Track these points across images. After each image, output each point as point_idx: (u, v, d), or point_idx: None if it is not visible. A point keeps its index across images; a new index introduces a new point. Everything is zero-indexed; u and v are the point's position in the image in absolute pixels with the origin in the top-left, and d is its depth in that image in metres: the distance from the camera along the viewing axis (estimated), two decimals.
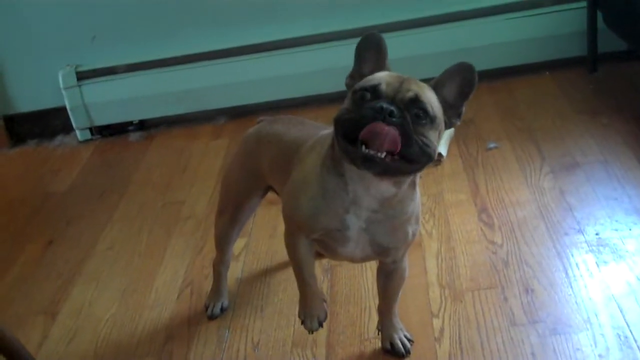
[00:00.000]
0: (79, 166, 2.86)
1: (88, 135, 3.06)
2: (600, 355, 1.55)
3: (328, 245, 1.47)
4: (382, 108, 1.24)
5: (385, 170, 1.28)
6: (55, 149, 3.06)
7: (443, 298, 1.81)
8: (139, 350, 1.82)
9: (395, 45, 2.78)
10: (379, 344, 1.69)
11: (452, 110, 1.36)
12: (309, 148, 1.48)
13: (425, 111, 1.28)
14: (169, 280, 2.06)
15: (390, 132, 1.23)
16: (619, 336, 1.59)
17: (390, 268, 1.57)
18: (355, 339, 1.73)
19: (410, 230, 1.45)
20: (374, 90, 1.29)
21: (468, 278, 1.86)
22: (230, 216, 1.78)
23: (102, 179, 2.73)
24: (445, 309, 1.77)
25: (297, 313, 1.58)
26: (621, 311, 1.66)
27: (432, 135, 1.29)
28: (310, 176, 1.41)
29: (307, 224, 1.43)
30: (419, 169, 1.33)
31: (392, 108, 1.25)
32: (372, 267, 1.94)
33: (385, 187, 1.35)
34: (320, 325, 1.56)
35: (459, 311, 1.75)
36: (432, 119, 1.29)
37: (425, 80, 1.36)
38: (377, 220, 1.40)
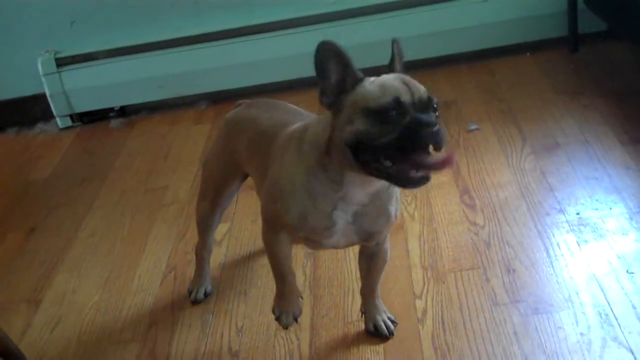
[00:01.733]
0: (60, 153, 2.84)
1: (69, 122, 3.04)
2: (581, 334, 1.57)
3: (312, 239, 1.47)
4: (428, 123, 1.24)
5: None
6: (35, 136, 3.03)
7: (425, 279, 1.81)
8: (123, 335, 1.82)
9: (375, 28, 2.82)
10: (362, 326, 1.69)
11: None
12: (285, 141, 1.46)
13: (437, 104, 1.29)
14: (152, 266, 2.05)
15: (451, 155, 1.24)
16: (600, 314, 1.61)
17: (372, 250, 1.58)
18: (339, 322, 1.74)
19: (392, 211, 1.46)
20: (398, 104, 1.25)
21: (450, 259, 1.87)
22: (211, 201, 1.78)
23: (83, 166, 2.72)
24: (427, 290, 1.78)
25: (271, 309, 1.58)
26: (602, 290, 1.68)
27: None
28: (295, 181, 1.40)
29: (294, 226, 1.43)
30: None
31: (431, 119, 1.25)
32: (354, 250, 1.93)
33: (381, 183, 1.35)
34: (295, 320, 1.58)
35: (442, 292, 1.76)
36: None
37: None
38: (364, 212, 1.41)
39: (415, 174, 1.25)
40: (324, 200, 1.38)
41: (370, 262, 1.60)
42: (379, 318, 1.67)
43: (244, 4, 2.90)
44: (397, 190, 1.46)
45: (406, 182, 1.28)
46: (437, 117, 1.28)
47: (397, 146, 1.23)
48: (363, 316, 1.69)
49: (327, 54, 1.30)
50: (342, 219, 1.40)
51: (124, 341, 1.80)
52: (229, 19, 2.91)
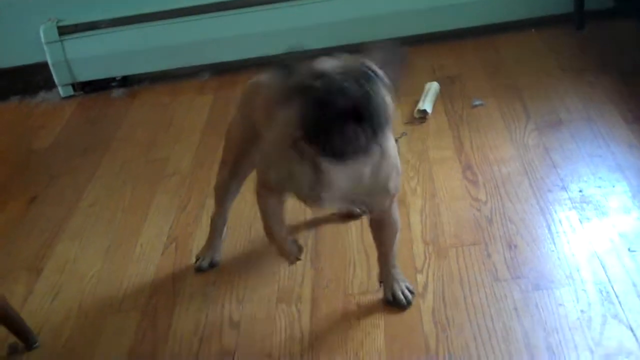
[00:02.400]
0: (61, 123, 2.83)
1: (70, 91, 3.02)
2: (582, 311, 1.57)
3: (303, 199, 1.49)
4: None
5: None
6: (37, 105, 3.02)
7: (427, 254, 1.81)
8: (124, 305, 1.82)
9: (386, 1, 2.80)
10: (362, 299, 1.70)
11: None
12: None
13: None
14: (154, 237, 2.05)
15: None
16: (601, 292, 1.61)
17: (379, 220, 1.58)
18: (340, 294, 1.74)
19: (391, 187, 1.45)
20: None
21: (452, 234, 1.87)
22: (230, 169, 1.78)
23: (84, 135, 2.71)
24: (429, 265, 1.78)
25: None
26: (603, 267, 1.68)
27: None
28: (278, 156, 1.40)
29: (278, 190, 1.46)
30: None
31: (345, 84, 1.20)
32: (356, 223, 1.95)
33: (360, 167, 1.34)
34: (299, 258, 1.62)
35: (443, 267, 1.76)
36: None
37: None
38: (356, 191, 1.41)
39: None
40: (307, 183, 1.37)
41: (379, 232, 1.61)
42: (397, 287, 1.67)
43: None
44: (394, 163, 1.44)
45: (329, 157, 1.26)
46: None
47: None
48: (381, 286, 1.70)
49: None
50: (328, 196, 1.40)
51: (125, 310, 1.80)
52: None
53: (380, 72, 1.26)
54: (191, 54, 2.97)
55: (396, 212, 1.59)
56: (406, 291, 1.67)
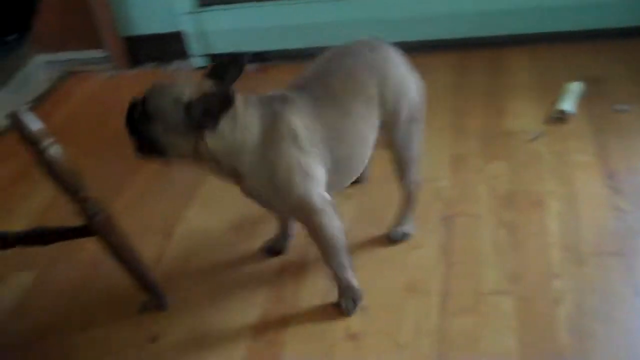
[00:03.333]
0: None
1: (204, 62, 3.08)
2: None
3: None
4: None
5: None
6: (171, 73, 3.09)
7: (564, 260, 1.75)
8: (252, 276, 1.84)
9: None
10: (494, 299, 1.66)
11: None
12: None
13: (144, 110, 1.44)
14: None
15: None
16: None
17: (309, 232, 1.61)
18: (471, 291, 1.70)
19: (286, 187, 1.51)
20: None
21: (592, 243, 1.79)
22: None
23: None
24: (565, 271, 1.72)
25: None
26: None
27: (151, 130, 1.43)
28: None
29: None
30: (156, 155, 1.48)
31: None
32: (493, 219, 1.90)
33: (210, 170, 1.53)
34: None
35: (581, 276, 1.70)
36: (149, 117, 1.43)
37: None
38: (252, 189, 1.54)
39: None
40: None
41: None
42: (340, 296, 1.70)
43: None
44: (284, 164, 1.48)
45: None
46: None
47: None
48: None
49: None
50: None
51: (253, 282, 1.82)
52: None
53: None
54: (324, 34, 2.96)
55: (326, 228, 1.58)
56: (350, 303, 1.69)
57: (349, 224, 1.97)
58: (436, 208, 1.99)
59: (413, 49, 2.84)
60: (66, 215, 1.91)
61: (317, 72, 1.67)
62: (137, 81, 3.08)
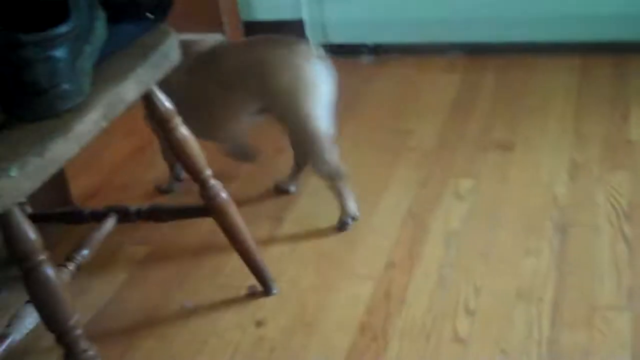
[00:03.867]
0: None
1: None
2: None
3: None
4: None
5: None
6: None
7: None
8: (359, 270, 1.84)
9: None
10: (609, 314, 1.60)
11: None
12: None
13: None
14: (393, 207, 2.05)
15: None
16: None
17: None
18: (584, 304, 1.65)
19: None
20: None
21: None
22: None
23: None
24: None
25: None
26: None
27: None
28: None
29: None
30: None
31: None
32: (610, 232, 1.83)
33: None
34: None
35: None
36: None
37: None
38: None
39: None
40: None
41: None
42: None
43: None
44: None
45: None
46: None
47: None
48: None
49: None
50: None
51: (360, 276, 1.82)
52: None
53: None
54: (443, 30, 2.92)
55: None
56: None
57: (462, 225, 1.94)
58: (552, 215, 1.93)
59: (534, 50, 2.81)
60: (176, 197, 1.98)
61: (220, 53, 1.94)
62: None
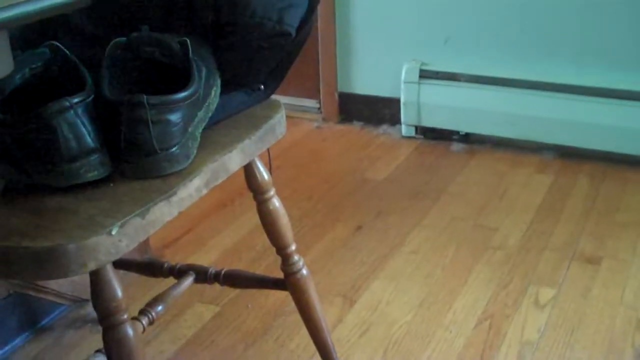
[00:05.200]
0: (397, 160, 2.89)
1: (412, 132, 3.08)
2: None
3: None
4: None
5: None
6: (378, 136, 3.12)
7: None
8: None
9: None
10: None
11: None
12: None
13: None
14: (469, 306, 2.00)
15: None
16: None
17: None
18: None
19: None
20: None
21: None
22: None
23: (418, 179, 2.73)
24: None
25: None
26: None
27: None
28: None
29: None
30: None
31: None
32: None
33: None
34: None
35: None
36: None
37: None
38: None
39: None
40: None
41: None
42: None
43: (631, 66, 2.72)
44: None
45: None
46: None
47: None
48: None
49: None
50: None
51: None
52: (604, 77, 2.76)
53: None
54: (538, 128, 2.88)
55: None
56: None
57: (538, 337, 1.87)
58: (635, 340, 1.84)
59: (631, 163, 2.72)
60: (251, 258, 1.97)
61: None
62: (342, 136, 3.14)
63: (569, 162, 2.81)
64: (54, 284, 1.88)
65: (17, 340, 1.88)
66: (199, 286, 1.86)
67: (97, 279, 1.09)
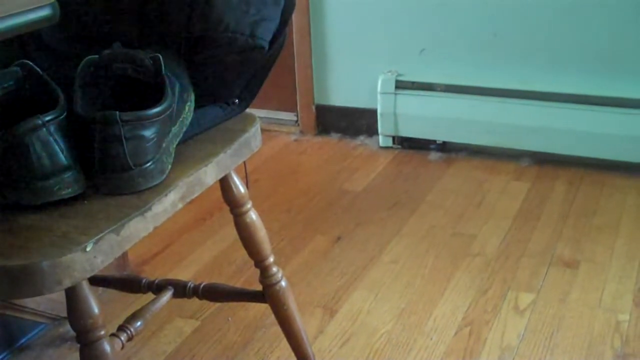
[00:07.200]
0: (375, 170, 2.90)
1: (389, 142, 3.10)
2: None
3: None
4: None
5: None
6: (355, 147, 3.14)
7: None
8: None
9: None
10: None
11: None
12: None
13: None
14: (449, 313, 2.01)
15: None
16: None
17: None
18: None
19: None
20: None
21: None
22: None
23: (396, 189, 2.75)
24: None
25: None
26: None
27: None
28: None
29: None
30: None
31: None
32: None
33: None
34: None
35: None
36: None
37: None
38: None
39: None
40: None
41: None
42: None
43: (606, 72, 2.75)
44: None
45: None
46: None
47: None
48: None
49: None
50: None
51: None
52: (579, 84, 2.79)
53: None
54: (514, 136, 2.91)
55: None
56: None
57: (518, 342, 1.88)
58: (613, 343, 1.86)
59: (607, 167, 2.75)
60: (231, 272, 1.97)
61: None
62: (320, 148, 3.15)
63: (545, 168, 2.84)
64: (31, 303, 1.87)
65: None
66: (179, 301, 1.87)
67: (73, 296, 1.09)
